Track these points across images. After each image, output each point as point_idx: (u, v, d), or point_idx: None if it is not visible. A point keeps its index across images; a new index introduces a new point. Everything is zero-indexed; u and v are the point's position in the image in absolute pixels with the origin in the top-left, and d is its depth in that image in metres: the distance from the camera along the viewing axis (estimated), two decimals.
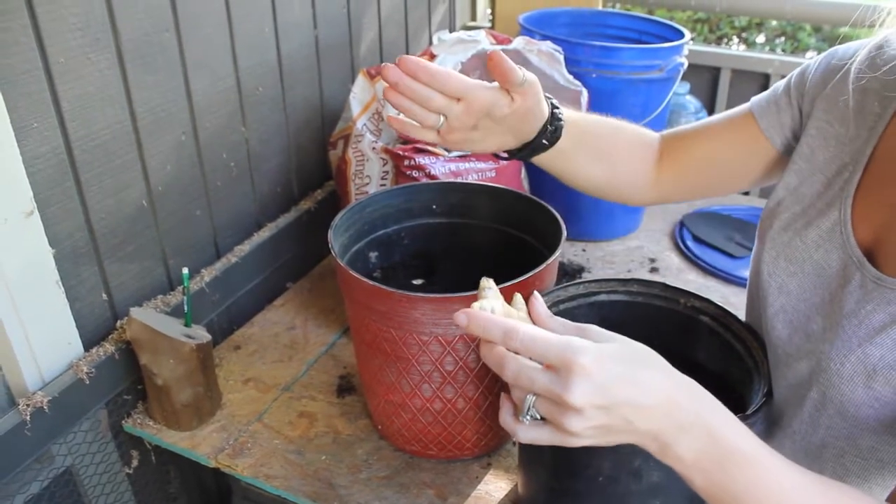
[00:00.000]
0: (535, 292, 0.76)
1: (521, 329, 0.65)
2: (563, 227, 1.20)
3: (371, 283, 1.08)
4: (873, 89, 0.88)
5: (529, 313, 0.75)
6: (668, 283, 1.15)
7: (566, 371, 0.62)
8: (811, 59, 1.00)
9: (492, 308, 0.71)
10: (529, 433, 0.67)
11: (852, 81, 0.89)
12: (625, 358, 0.66)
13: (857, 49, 0.92)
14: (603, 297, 1.16)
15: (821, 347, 0.88)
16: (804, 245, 0.91)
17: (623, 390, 0.64)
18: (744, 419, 0.88)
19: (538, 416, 0.66)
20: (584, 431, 0.64)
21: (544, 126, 1.00)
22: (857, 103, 0.89)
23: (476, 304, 0.71)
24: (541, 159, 1.06)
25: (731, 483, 0.65)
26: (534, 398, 0.66)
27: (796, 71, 1.02)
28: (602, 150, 1.10)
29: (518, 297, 0.76)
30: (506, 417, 0.70)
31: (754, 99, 1.06)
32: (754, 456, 0.66)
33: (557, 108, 1.03)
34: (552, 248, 1.17)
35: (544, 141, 1.01)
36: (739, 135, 1.05)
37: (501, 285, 1.06)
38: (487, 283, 0.76)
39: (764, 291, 0.98)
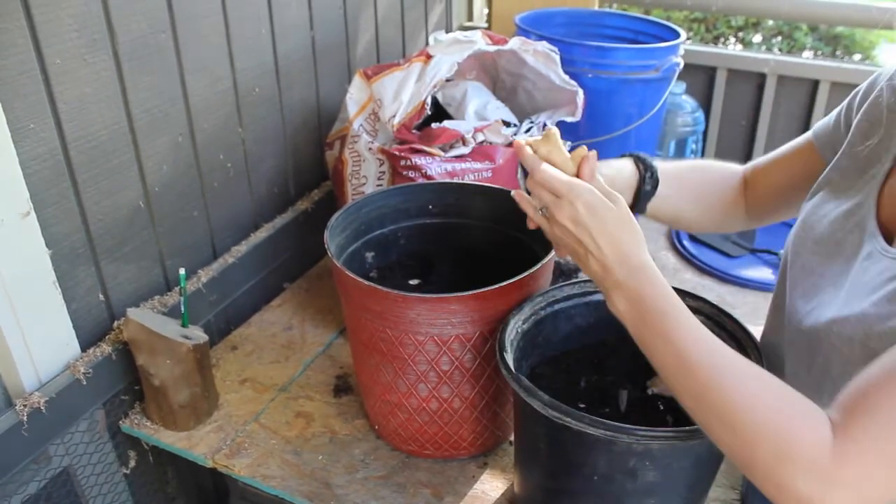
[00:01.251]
0: (593, 153, 0.93)
1: (541, 167, 0.92)
2: None
3: (367, 283, 1.08)
4: None
5: (578, 167, 0.94)
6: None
7: (565, 198, 0.89)
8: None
9: (536, 147, 0.95)
10: (541, 221, 0.96)
11: (888, 86, 0.96)
12: (606, 215, 0.88)
13: None
14: (599, 297, 1.17)
15: (824, 311, 0.93)
16: (830, 226, 0.97)
17: (587, 233, 0.88)
18: None
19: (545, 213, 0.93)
20: (557, 239, 0.93)
21: (641, 178, 1.12)
22: (890, 106, 0.95)
23: (522, 139, 0.95)
24: (651, 208, 1.15)
25: (650, 332, 0.85)
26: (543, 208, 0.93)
27: (848, 98, 1.06)
28: (697, 192, 1.20)
29: (579, 149, 0.95)
30: (528, 208, 0.97)
31: (815, 126, 1.12)
32: (670, 314, 0.84)
33: (644, 159, 1.13)
34: (548, 248, 1.18)
35: (647, 188, 1.12)
36: (803, 162, 1.12)
37: (498, 285, 1.07)
38: (548, 132, 0.96)
39: (788, 268, 1.03)
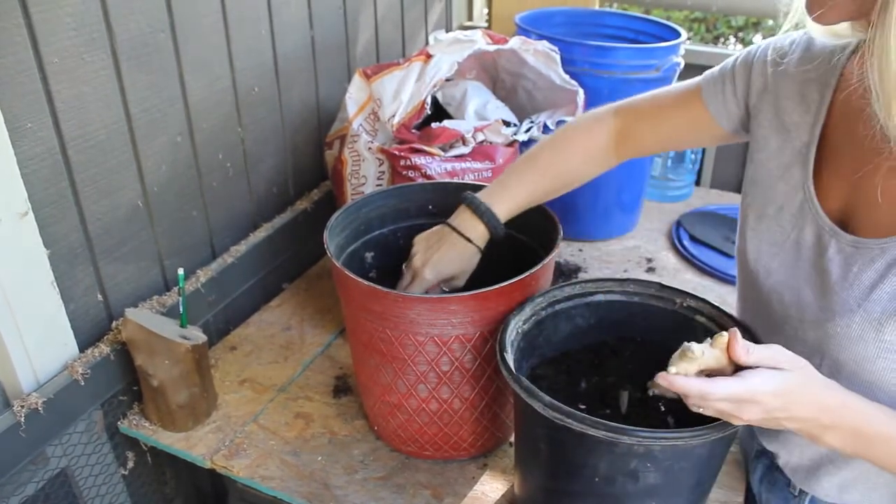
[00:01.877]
0: (735, 330, 0.87)
1: (710, 388, 0.84)
2: (560, 226, 1.20)
3: (366, 283, 1.08)
4: (811, 79, 0.96)
5: (728, 348, 0.86)
6: (664, 282, 1.15)
7: (744, 403, 0.84)
8: (753, 47, 1.06)
9: (686, 371, 0.87)
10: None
11: (792, 74, 0.98)
12: (791, 390, 0.84)
13: (793, 43, 1.00)
14: (600, 297, 1.16)
15: (821, 316, 0.94)
16: (780, 227, 0.99)
17: (782, 409, 0.84)
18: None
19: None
20: (745, 420, 0.85)
21: (490, 228, 1.17)
22: (799, 93, 0.98)
23: (672, 369, 0.88)
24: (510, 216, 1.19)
25: (872, 455, 0.87)
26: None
27: (740, 57, 1.06)
28: (558, 185, 1.22)
29: (719, 337, 0.87)
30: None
31: (703, 81, 1.11)
32: (887, 435, 0.85)
33: (482, 213, 1.16)
34: (548, 248, 1.17)
35: (497, 229, 1.17)
36: (689, 117, 1.12)
37: (498, 285, 1.06)
38: (682, 351, 0.88)
39: (753, 279, 1.05)
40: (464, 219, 1.17)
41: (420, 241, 1.19)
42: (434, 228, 1.20)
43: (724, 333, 0.87)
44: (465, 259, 1.17)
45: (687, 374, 0.87)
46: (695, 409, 0.87)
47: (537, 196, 1.20)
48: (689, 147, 1.12)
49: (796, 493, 1.09)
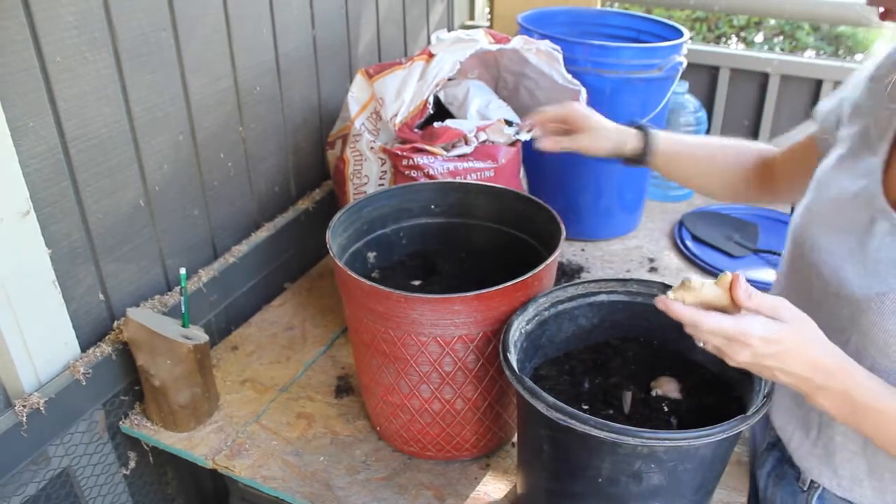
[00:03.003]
0: (739, 274, 0.88)
1: (705, 319, 0.86)
2: (562, 226, 1.20)
3: (369, 283, 1.08)
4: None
5: (730, 290, 0.87)
6: (667, 282, 1.15)
7: (734, 341, 0.86)
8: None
9: (682, 299, 0.89)
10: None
11: (880, 76, 1.03)
12: (783, 338, 0.85)
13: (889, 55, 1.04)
14: (603, 297, 1.16)
15: (857, 292, 0.95)
16: (837, 207, 1.02)
17: (772, 355, 0.86)
18: (744, 420, 0.88)
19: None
20: (745, 366, 0.88)
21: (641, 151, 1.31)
22: (886, 92, 1.01)
23: (670, 295, 0.90)
24: (663, 167, 1.33)
25: (862, 424, 0.89)
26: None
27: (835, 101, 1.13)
28: (698, 169, 1.33)
29: (723, 276, 0.89)
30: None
31: (817, 121, 1.17)
32: (884, 409, 0.87)
33: (648, 134, 1.30)
34: (551, 248, 1.17)
35: (646, 157, 1.31)
36: (805, 156, 1.19)
37: (501, 285, 1.06)
38: (684, 282, 0.90)
39: (798, 252, 1.07)
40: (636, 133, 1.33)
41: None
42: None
43: (729, 273, 0.88)
44: (602, 127, 1.32)
45: (718, 301, 0.88)
46: (698, 344, 0.90)
47: (688, 159, 1.33)
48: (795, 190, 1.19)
49: (805, 487, 1.08)
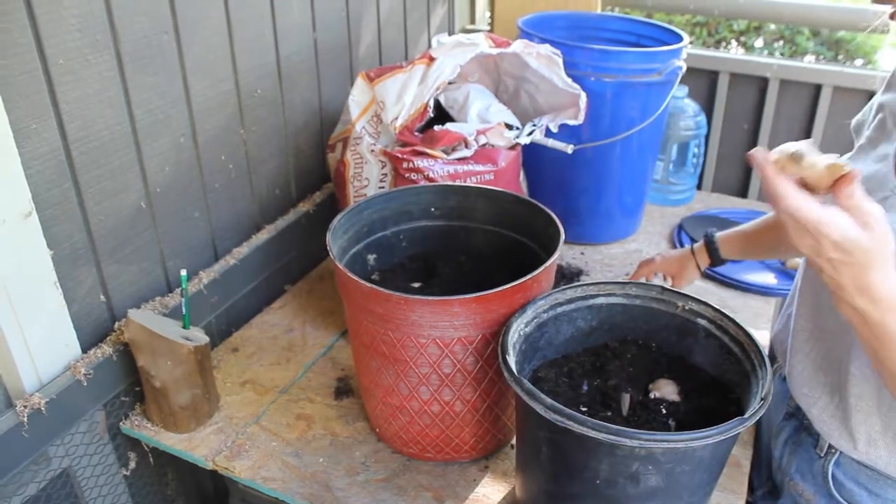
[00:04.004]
0: (854, 171, 0.84)
1: (789, 197, 0.85)
2: (562, 229, 1.20)
3: (369, 285, 1.08)
4: None
5: (838, 180, 0.84)
6: (665, 286, 1.15)
7: (807, 233, 0.84)
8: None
9: (783, 165, 0.86)
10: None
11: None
12: (854, 250, 0.83)
13: None
14: (601, 300, 1.17)
15: None
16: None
17: (835, 260, 0.84)
18: (741, 423, 0.88)
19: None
20: (805, 252, 0.86)
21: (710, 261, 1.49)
22: None
23: (774, 155, 0.87)
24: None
25: (886, 350, 0.87)
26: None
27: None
28: (766, 248, 1.44)
29: (838, 163, 0.84)
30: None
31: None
32: None
33: (714, 247, 1.47)
34: (550, 251, 1.18)
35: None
36: None
37: (500, 288, 1.07)
38: (797, 154, 0.86)
39: None
40: (699, 246, 1.51)
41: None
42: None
43: (847, 166, 0.84)
44: (685, 267, 1.53)
45: (818, 181, 0.86)
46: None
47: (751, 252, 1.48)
48: None
49: (822, 454, 1.11)
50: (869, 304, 0.85)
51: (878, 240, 0.83)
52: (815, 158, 0.85)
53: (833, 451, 1.09)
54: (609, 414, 1.08)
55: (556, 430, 0.92)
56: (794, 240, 0.86)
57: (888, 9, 0.93)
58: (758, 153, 0.86)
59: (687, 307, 1.13)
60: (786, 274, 1.80)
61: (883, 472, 1.04)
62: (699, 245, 1.50)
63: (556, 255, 1.15)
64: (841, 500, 1.09)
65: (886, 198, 1.00)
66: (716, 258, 1.47)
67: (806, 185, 0.86)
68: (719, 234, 1.48)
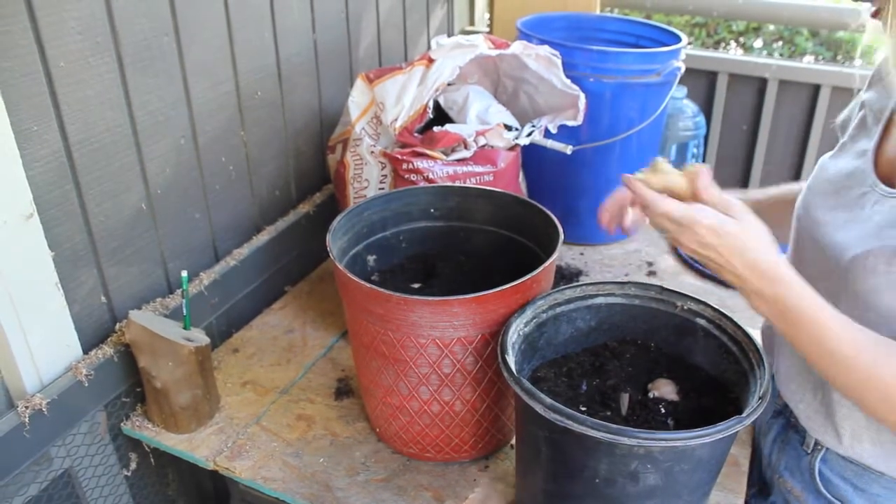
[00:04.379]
0: (704, 168, 0.96)
1: (658, 200, 0.95)
2: (561, 230, 1.21)
3: (369, 285, 1.09)
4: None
5: (693, 181, 0.96)
6: (664, 286, 1.16)
7: (684, 226, 0.93)
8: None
9: (648, 180, 0.97)
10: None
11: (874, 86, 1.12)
12: (729, 231, 0.92)
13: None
14: (600, 300, 1.17)
15: (846, 253, 1.01)
16: (833, 185, 1.08)
17: (717, 245, 0.92)
18: (739, 421, 0.89)
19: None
20: (691, 253, 0.95)
21: None
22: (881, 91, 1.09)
23: (638, 175, 0.98)
24: None
25: (797, 335, 0.92)
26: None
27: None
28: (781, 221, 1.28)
29: (690, 167, 0.97)
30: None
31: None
32: (807, 311, 0.90)
33: None
34: (549, 252, 1.18)
35: None
36: None
37: (500, 288, 1.07)
38: (655, 162, 1.00)
39: (800, 227, 1.14)
40: None
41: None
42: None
43: (697, 165, 0.96)
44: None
45: (681, 189, 0.97)
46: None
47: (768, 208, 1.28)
48: None
49: (809, 451, 1.12)
50: (762, 283, 0.91)
51: (747, 224, 0.92)
52: (671, 168, 0.98)
53: (819, 447, 1.11)
54: (608, 413, 1.08)
55: (555, 430, 0.92)
56: (678, 239, 0.94)
57: (869, 7, 0.94)
58: (624, 177, 0.98)
59: (686, 307, 1.14)
60: None
61: (868, 467, 1.06)
62: None
63: (555, 256, 1.16)
64: (828, 496, 1.11)
65: (865, 193, 1.01)
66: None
67: (672, 194, 0.96)
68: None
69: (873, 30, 0.99)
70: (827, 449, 1.10)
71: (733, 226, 0.92)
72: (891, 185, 0.99)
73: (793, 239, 1.17)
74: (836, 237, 1.03)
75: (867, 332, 0.91)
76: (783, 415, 1.19)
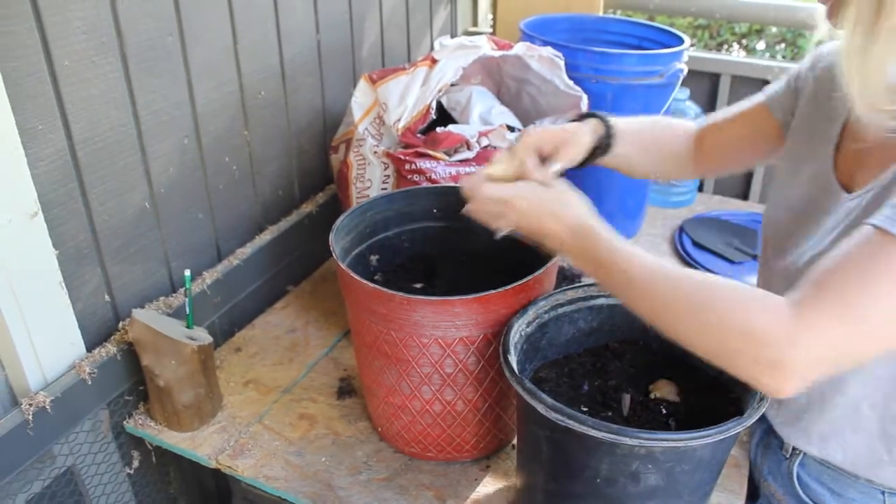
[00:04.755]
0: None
1: (481, 188, 1.05)
2: None
3: (372, 285, 1.09)
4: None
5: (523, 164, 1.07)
6: None
7: (507, 203, 1.03)
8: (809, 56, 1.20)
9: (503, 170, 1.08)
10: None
11: (821, 76, 1.11)
12: (545, 197, 1.01)
13: (830, 51, 1.12)
14: (602, 301, 1.18)
15: (799, 251, 1.05)
16: (795, 189, 1.10)
17: (532, 221, 1.01)
18: (740, 422, 0.89)
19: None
20: (519, 227, 1.03)
21: (598, 140, 1.22)
22: (827, 90, 1.08)
23: (488, 170, 1.09)
24: (601, 162, 1.27)
25: (612, 283, 0.95)
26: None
27: (798, 67, 1.21)
28: (651, 148, 1.32)
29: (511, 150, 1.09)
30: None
31: (767, 90, 1.24)
32: (619, 258, 0.93)
33: (610, 125, 1.23)
34: (552, 253, 1.18)
35: (603, 147, 1.23)
36: (755, 123, 1.24)
37: (502, 288, 1.07)
38: (512, 149, 1.10)
39: (770, 236, 1.16)
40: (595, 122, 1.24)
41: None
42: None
43: (523, 144, 1.09)
44: (572, 134, 1.18)
45: (503, 175, 1.07)
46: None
47: (628, 136, 1.28)
48: (751, 160, 1.32)
49: (788, 455, 1.13)
50: (577, 239, 0.97)
51: (563, 192, 1.02)
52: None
53: (797, 452, 1.12)
54: (609, 414, 1.09)
55: (556, 430, 0.93)
56: (505, 218, 1.02)
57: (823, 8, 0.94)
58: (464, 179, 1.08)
59: None
60: None
61: (841, 469, 1.07)
62: (595, 121, 1.23)
63: (557, 257, 1.16)
64: (807, 500, 1.12)
65: (827, 199, 1.03)
66: (606, 142, 1.23)
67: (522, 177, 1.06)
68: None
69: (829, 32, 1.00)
70: (804, 453, 1.11)
71: (551, 194, 1.01)
72: (848, 191, 1.00)
73: (762, 250, 1.20)
74: (804, 248, 1.05)
75: (677, 268, 0.91)
76: (765, 419, 1.19)
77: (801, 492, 1.12)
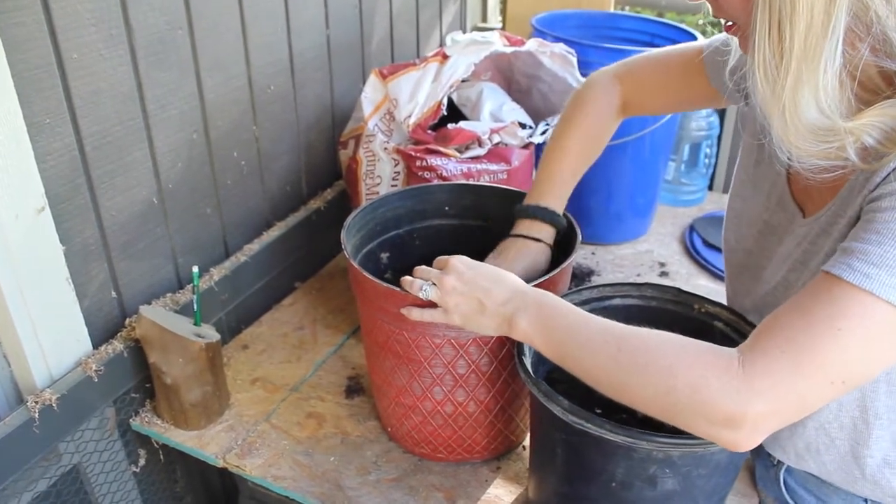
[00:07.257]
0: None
1: (415, 271, 1.06)
2: (579, 231, 1.20)
3: (384, 284, 1.07)
4: None
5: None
6: (681, 287, 1.14)
7: (446, 269, 1.02)
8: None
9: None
10: (423, 314, 1.04)
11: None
12: (479, 266, 1.02)
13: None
14: (617, 302, 1.16)
15: (763, 289, 1.04)
16: (754, 208, 1.08)
17: (477, 285, 0.98)
18: None
19: (430, 296, 1.02)
20: (454, 308, 1.00)
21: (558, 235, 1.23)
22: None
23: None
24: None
25: (556, 331, 0.91)
26: (428, 283, 1.03)
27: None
28: (590, 157, 1.29)
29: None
30: (410, 308, 1.05)
31: (706, 54, 1.15)
32: (569, 310, 0.92)
33: (556, 222, 1.22)
34: (567, 251, 1.17)
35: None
36: (693, 91, 1.19)
37: None
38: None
39: (726, 252, 1.17)
40: (525, 226, 1.22)
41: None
42: (498, 247, 1.24)
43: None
44: (538, 259, 1.21)
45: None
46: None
47: (577, 174, 1.27)
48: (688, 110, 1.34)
49: (775, 462, 1.11)
50: (524, 301, 0.95)
51: (489, 266, 1.02)
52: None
53: (782, 462, 1.10)
54: (624, 416, 1.07)
55: (572, 432, 0.91)
56: (443, 281, 1.00)
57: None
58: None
59: (703, 309, 1.12)
60: None
61: (821, 480, 1.05)
62: (523, 226, 1.22)
63: (573, 257, 1.15)
64: None
65: (785, 220, 1.00)
66: (556, 220, 1.22)
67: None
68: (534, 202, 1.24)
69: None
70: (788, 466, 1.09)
71: (482, 265, 1.02)
72: (804, 212, 0.98)
73: (726, 268, 1.19)
74: (767, 271, 1.04)
75: (624, 327, 0.88)
76: None
77: (788, 498, 1.10)
